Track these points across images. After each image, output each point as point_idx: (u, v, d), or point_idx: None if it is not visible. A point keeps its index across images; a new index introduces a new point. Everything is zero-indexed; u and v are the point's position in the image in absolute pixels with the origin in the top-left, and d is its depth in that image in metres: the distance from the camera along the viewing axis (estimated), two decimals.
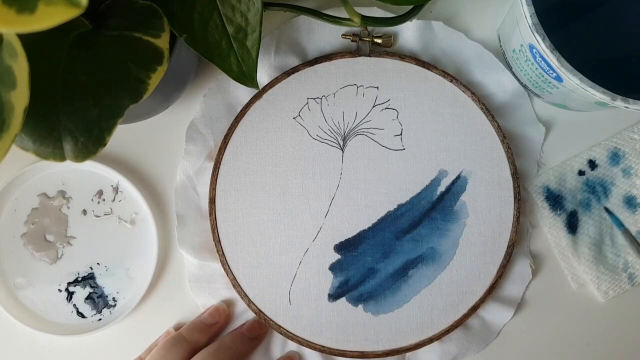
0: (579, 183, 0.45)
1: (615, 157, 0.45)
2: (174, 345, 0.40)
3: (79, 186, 0.44)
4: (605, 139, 0.45)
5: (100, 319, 0.44)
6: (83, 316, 0.44)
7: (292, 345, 0.44)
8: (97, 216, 0.44)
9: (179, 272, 0.45)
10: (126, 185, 0.44)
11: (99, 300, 0.44)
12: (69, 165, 0.44)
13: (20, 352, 0.45)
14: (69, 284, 0.44)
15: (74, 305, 0.44)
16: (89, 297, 0.44)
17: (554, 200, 0.44)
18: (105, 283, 0.44)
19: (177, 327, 0.44)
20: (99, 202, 0.44)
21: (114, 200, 0.44)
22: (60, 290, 0.44)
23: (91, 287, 0.44)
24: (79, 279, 0.44)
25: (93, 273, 0.44)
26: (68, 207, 0.44)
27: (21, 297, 0.44)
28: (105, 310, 0.44)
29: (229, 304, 0.44)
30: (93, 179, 0.44)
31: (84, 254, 0.44)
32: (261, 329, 0.44)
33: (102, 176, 0.44)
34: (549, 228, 0.45)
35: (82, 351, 0.45)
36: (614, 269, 0.44)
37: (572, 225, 0.44)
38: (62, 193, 0.44)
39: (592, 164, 0.45)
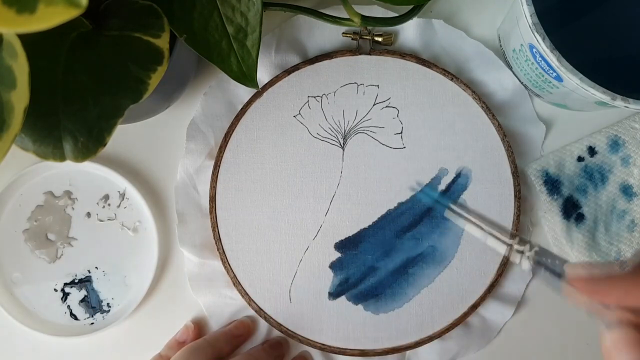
0: (578, 169, 0.44)
1: (615, 145, 0.44)
2: (198, 350, 0.40)
3: (86, 188, 0.44)
4: (606, 127, 0.45)
5: (92, 323, 0.44)
6: (76, 318, 0.44)
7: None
8: (101, 220, 0.44)
9: (176, 284, 0.45)
10: (132, 193, 0.44)
11: (93, 304, 0.44)
12: (77, 165, 0.43)
13: (12, 348, 0.44)
14: (65, 284, 0.44)
15: (68, 306, 0.44)
16: (83, 300, 0.44)
17: (552, 184, 0.44)
18: (102, 288, 0.44)
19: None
20: (104, 207, 0.44)
21: (119, 206, 0.44)
22: (56, 290, 0.44)
23: (87, 290, 0.44)
24: (76, 281, 0.44)
25: (90, 276, 0.44)
26: (73, 208, 0.44)
27: (17, 293, 0.44)
28: (98, 315, 0.44)
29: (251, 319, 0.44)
30: (100, 183, 0.44)
31: (84, 256, 0.44)
32: (283, 347, 0.43)
33: (109, 180, 0.44)
34: (544, 213, 0.44)
35: (71, 353, 0.44)
36: (606, 257, 0.44)
37: (567, 210, 0.44)
38: (68, 193, 0.44)
39: (592, 151, 0.44)
